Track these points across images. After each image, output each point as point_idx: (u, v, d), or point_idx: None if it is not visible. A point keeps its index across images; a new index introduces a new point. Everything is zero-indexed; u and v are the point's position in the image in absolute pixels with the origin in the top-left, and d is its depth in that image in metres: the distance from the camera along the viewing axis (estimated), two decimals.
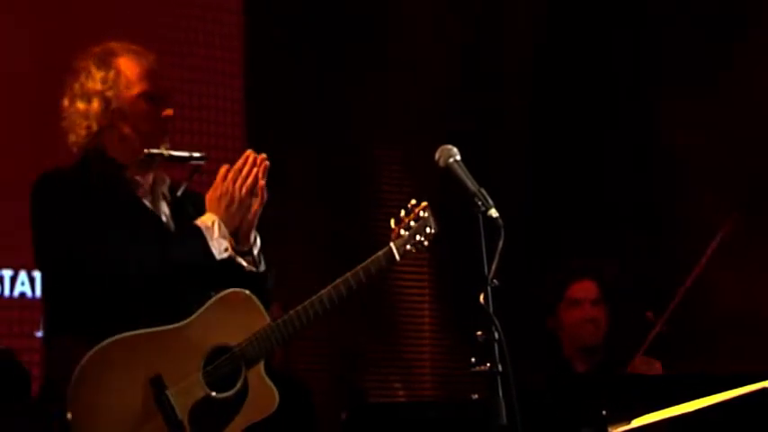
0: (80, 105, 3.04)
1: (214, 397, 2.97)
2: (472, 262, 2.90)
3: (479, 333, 3.14)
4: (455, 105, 5.81)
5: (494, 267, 2.87)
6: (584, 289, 4.42)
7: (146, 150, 3.06)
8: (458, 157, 3.01)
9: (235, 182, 3.06)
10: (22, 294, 4.72)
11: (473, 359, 3.08)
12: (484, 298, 2.89)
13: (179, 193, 3.15)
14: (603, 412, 3.80)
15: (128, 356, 2.90)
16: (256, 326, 3.07)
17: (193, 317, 3.01)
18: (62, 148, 3.12)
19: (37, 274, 4.56)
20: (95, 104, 3.03)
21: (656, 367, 4.27)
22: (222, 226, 3.02)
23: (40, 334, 4.60)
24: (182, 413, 2.91)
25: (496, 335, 2.86)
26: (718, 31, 5.43)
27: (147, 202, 3.10)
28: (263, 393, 3.05)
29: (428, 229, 3.36)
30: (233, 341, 3.03)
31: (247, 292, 3.09)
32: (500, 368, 2.84)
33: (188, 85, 4.72)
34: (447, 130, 5.58)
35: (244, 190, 3.06)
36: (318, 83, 5.49)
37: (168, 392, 2.91)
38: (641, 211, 5.63)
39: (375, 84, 5.67)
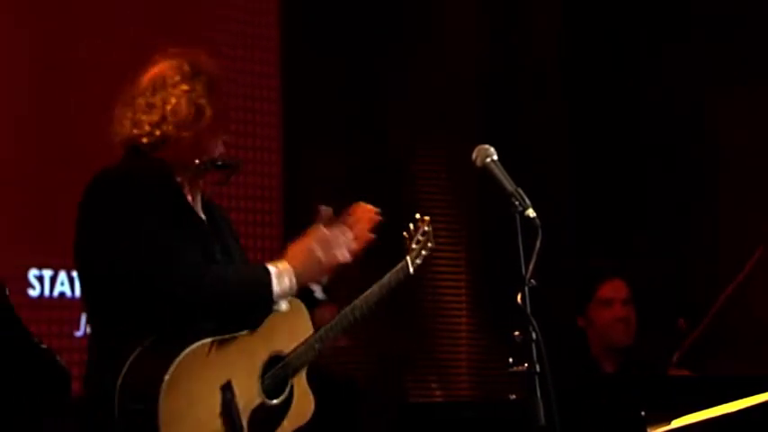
0: (166, 105, 3.02)
1: (267, 403, 3.05)
2: (509, 262, 2.90)
3: (517, 333, 3.14)
4: (491, 104, 5.80)
5: (531, 267, 2.86)
6: (615, 288, 4.40)
7: (197, 160, 3.07)
8: (495, 157, 3.01)
9: (331, 242, 3.04)
10: (62, 294, 4.76)
11: (511, 359, 3.08)
12: (521, 298, 2.88)
13: (205, 198, 3.18)
14: (642, 413, 3.78)
15: (204, 364, 2.95)
16: (304, 334, 3.15)
17: (259, 326, 3.06)
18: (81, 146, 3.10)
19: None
20: (183, 108, 3.03)
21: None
22: (293, 280, 3.00)
23: (79, 333, 4.65)
24: (243, 418, 2.98)
25: (534, 335, 2.85)
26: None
27: (198, 212, 3.12)
28: (304, 399, 3.14)
29: (430, 244, 3.52)
30: (286, 349, 3.11)
31: (299, 302, 3.15)
32: (538, 368, 2.83)
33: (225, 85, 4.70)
34: (482, 128, 5.58)
35: (341, 257, 3.08)
36: (353, 83, 5.50)
37: (236, 399, 2.97)
38: (679, 211, 5.60)
39: (410, 84, 5.67)
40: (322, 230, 3.07)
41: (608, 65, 5.70)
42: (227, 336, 3.00)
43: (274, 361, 3.08)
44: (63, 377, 3.59)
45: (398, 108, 5.65)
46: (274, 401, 3.06)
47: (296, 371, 3.11)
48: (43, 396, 3.56)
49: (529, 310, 2.87)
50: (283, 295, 3.00)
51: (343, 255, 3.07)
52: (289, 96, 5.30)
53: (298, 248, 3.04)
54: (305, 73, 5.31)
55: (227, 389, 2.97)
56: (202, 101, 3.05)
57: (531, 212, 2.91)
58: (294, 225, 4.46)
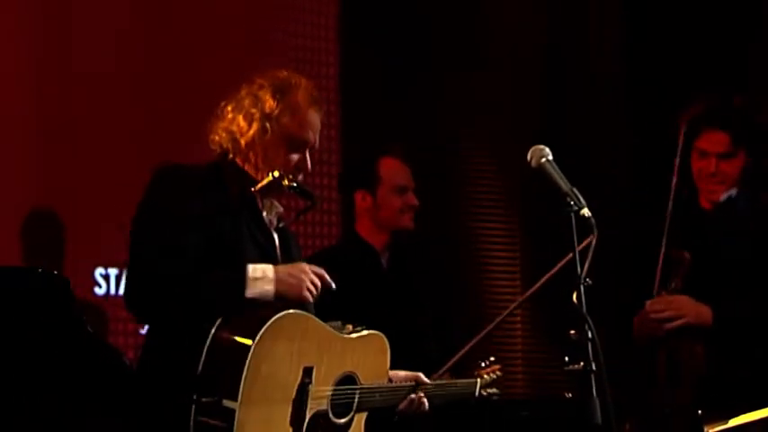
0: (241, 121, 3.12)
1: (330, 417, 3.06)
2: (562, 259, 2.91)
3: (573, 332, 3.15)
4: (544, 104, 5.79)
5: (586, 267, 2.87)
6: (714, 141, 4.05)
7: (276, 173, 3.11)
8: (550, 157, 3.02)
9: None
10: None
11: (566, 358, 3.10)
12: (576, 297, 2.89)
13: (282, 225, 3.21)
14: (699, 411, 3.77)
15: (303, 333, 2.98)
16: (380, 376, 3.21)
17: (352, 336, 3.12)
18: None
19: None
20: (254, 127, 3.11)
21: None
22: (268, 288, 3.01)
23: (144, 331, 4.71)
24: (308, 413, 2.99)
25: (589, 334, 2.86)
26: None
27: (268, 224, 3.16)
28: None
29: (495, 390, 3.71)
30: (361, 377, 3.15)
31: (385, 342, 3.21)
32: (594, 367, 2.84)
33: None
34: (536, 129, 5.56)
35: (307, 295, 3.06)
36: (407, 82, 5.51)
37: (310, 387, 2.99)
38: None
39: (463, 83, 5.67)
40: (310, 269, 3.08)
41: (669, 60, 5.64)
42: (329, 325, 3.06)
43: (348, 380, 3.11)
44: (123, 371, 3.65)
45: (451, 108, 5.66)
46: (338, 421, 3.08)
47: (361, 407, 3.14)
48: (106, 393, 3.61)
49: (584, 308, 2.87)
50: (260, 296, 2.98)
51: (306, 297, 3.05)
52: (347, 104, 5.32)
53: (289, 270, 3.04)
54: (359, 72, 5.32)
55: (308, 373, 2.99)
56: (256, 119, 3.11)
57: (586, 212, 2.91)
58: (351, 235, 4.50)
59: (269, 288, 2.97)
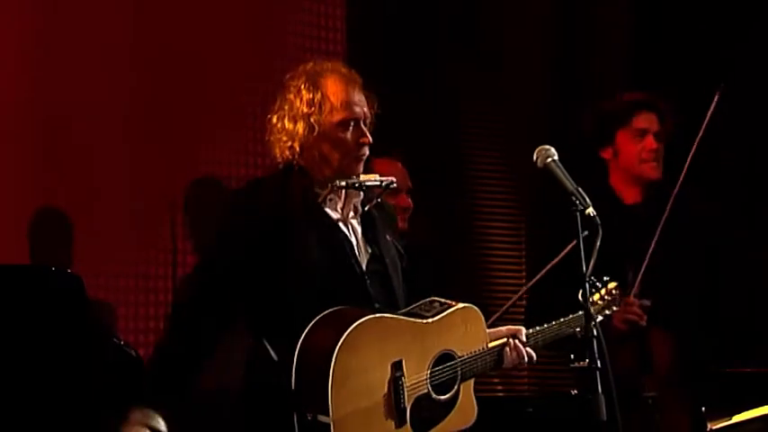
0: (288, 125, 3.19)
1: (433, 397, 3.14)
2: (569, 259, 2.94)
3: (578, 330, 3.19)
4: (552, 105, 5.81)
5: (591, 265, 2.91)
6: (648, 120, 4.22)
7: (337, 182, 3.19)
8: (555, 158, 3.06)
9: None
10: None
11: (572, 355, 3.14)
12: (581, 295, 2.93)
13: (367, 208, 3.28)
14: (703, 408, 3.80)
15: (379, 337, 3.06)
16: (479, 343, 3.26)
17: (436, 318, 3.18)
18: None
19: None
20: (300, 126, 3.17)
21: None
22: None
23: None
24: (407, 402, 3.08)
25: (594, 331, 2.89)
26: None
27: (340, 223, 3.22)
28: (468, 407, 3.24)
29: (615, 308, 3.71)
30: (459, 351, 3.21)
31: (477, 309, 3.28)
32: (599, 364, 2.88)
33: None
34: (546, 129, 5.59)
35: None
36: (415, 82, 5.52)
37: (403, 379, 3.07)
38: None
39: (473, 83, 5.69)
40: None
41: (679, 67, 5.66)
42: (406, 319, 3.14)
43: (445, 358, 3.18)
44: (137, 367, 3.67)
45: (459, 108, 5.68)
46: (441, 397, 3.16)
47: (465, 376, 3.21)
48: (114, 387, 3.64)
49: (589, 306, 2.91)
50: None
51: None
52: None
53: None
54: (368, 76, 5.34)
55: (397, 367, 3.08)
56: (299, 117, 3.17)
57: (591, 211, 2.96)
58: None
59: None
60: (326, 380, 2.96)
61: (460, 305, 3.24)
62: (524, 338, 3.32)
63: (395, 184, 3.30)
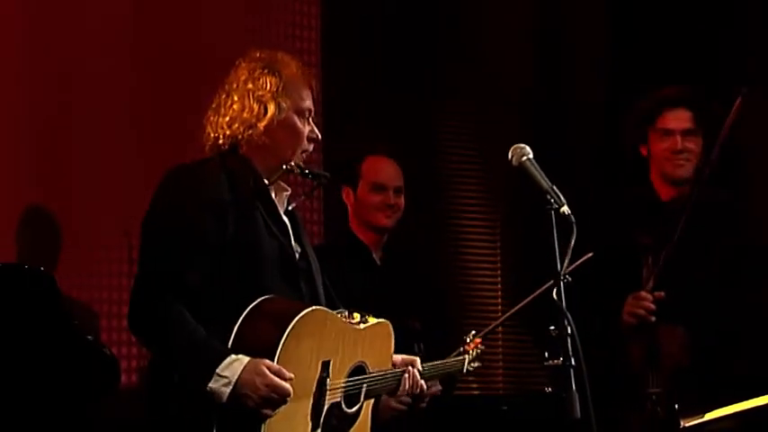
0: (254, 106, 3.09)
1: (342, 407, 3.10)
2: (544, 258, 2.95)
3: (552, 328, 3.20)
4: (530, 102, 5.82)
5: (566, 263, 2.92)
6: (675, 119, 4.22)
7: (286, 165, 3.12)
8: (530, 156, 3.06)
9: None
10: None
11: (546, 353, 3.14)
12: (556, 293, 2.93)
13: (290, 207, 3.21)
14: (676, 406, 3.82)
15: (321, 329, 3.01)
16: (386, 362, 3.23)
17: (366, 326, 3.15)
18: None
19: None
20: (270, 110, 3.08)
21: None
22: (230, 387, 2.91)
23: None
24: (326, 403, 3.03)
25: (569, 329, 2.90)
26: None
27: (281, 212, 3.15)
28: (365, 427, 3.19)
29: (477, 364, 3.80)
30: (370, 365, 3.18)
31: (389, 326, 3.24)
32: (573, 362, 2.88)
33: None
34: (521, 126, 5.60)
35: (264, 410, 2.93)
36: (393, 78, 5.51)
37: (328, 381, 3.03)
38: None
39: (446, 80, 5.70)
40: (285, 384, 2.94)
41: (655, 66, 5.66)
42: (342, 319, 3.09)
43: (358, 371, 3.14)
44: (111, 366, 3.67)
45: (438, 105, 5.68)
46: (348, 410, 3.11)
47: (369, 394, 3.16)
48: (89, 384, 3.63)
49: (564, 305, 2.92)
50: (213, 393, 2.90)
51: (266, 412, 2.93)
52: (329, 102, 5.33)
53: (261, 371, 2.92)
54: (343, 69, 5.33)
55: (325, 366, 3.02)
56: (267, 99, 3.09)
57: (566, 209, 2.96)
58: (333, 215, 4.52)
59: (225, 390, 2.88)
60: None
61: (377, 320, 3.20)
62: (420, 368, 3.32)
63: (327, 180, 3.24)
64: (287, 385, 2.90)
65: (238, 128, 3.09)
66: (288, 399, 2.92)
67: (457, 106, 5.69)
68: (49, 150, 4.52)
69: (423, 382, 3.33)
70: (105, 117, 4.61)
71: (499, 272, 5.77)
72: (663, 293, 4.03)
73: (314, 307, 3.01)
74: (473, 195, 5.74)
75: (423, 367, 3.35)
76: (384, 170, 4.21)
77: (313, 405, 3.00)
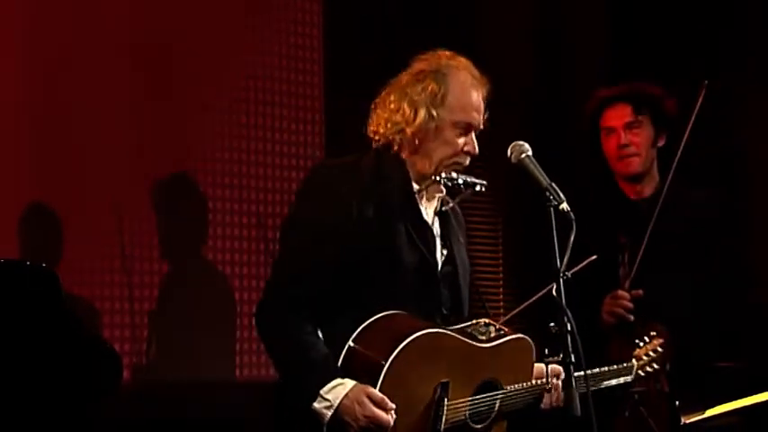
0: (406, 108, 3.07)
1: (469, 424, 3.05)
2: (544, 255, 2.95)
3: (552, 325, 3.20)
4: (530, 102, 5.82)
5: (565, 260, 2.92)
6: (615, 115, 4.21)
7: (443, 176, 3.09)
8: (529, 153, 3.07)
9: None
10: None
11: (546, 350, 3.15)
12: (556, 291, 2.94)
13: (445, 208, 3.19)
14: (677, 402, 3.83)
15: (435, 352, 2.97)
16: (525, 377, 3.16)
17: (491, 344, 3.09)
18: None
19: None
20: (420, 116, 3.06)
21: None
22: (332, 410, 2.92)
23: None
24: (442, 425, 2.98)
25: (569, 326, 2.89)
26: None
27: (429, 221, 3.13)
28: None
29: (657, 366, 3.61)
30: (504, 382, 3.11)
31: (529, 341, 3.18)
32: (573, 359, 2.88)
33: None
34: (521, 126, 5.60)
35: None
36: (394, 76, 5.50)
37: (446, 401, 2.98)
38: None
39: None
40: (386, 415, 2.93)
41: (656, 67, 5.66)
42: (459, 335, 3.03)
43: (488, 386, 3.08)
44: (114, 362, 3.68)
45: None
46: (477, 426, 3.06)
47: (503, 409, 3.10)
48: (92, 381, 3.64)
49: (563, 302, 2.92)
50: (316, 413, 2.92)
51: (381, 422, 2.92)
52: (331, 98, 5.33)
53: (363, 401, 2.91)
54: (344, 67, 5.33)
55: (443, 388, 2.97)
56: (420, 105, 3.07)
57: (565, 207, 2.96)
58: None
59: (327, 413, 2.91)
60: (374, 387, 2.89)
61: (515, 335, 3.15)
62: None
63: (484, 188, 3.20)
64: (387, 417, 2.89)
65: (390, 128, 3.09)
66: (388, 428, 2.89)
67: None
68: (49, 148, 4.53)
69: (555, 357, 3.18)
70: (105, 115, 4.62)
71: (501, 272, 5.77)
72: (641, 292, 4.03)
73: (426, 330, 2.95)
74: (474, 196, 5.73)
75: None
76: None
77: (425, 426, 2.96)
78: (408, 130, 3.07)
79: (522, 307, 4.11)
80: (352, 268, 2.98)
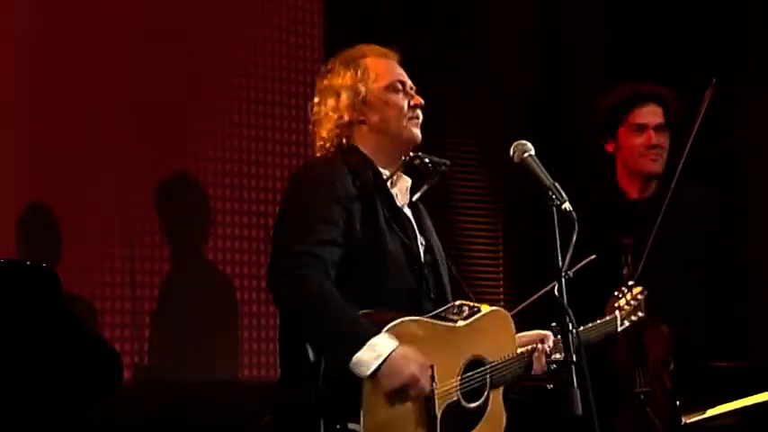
0: (330, 101, 3.10)
1: (462, 405, 3.04)
2: (544, 254, 2.95)
3: (554, 324, 3.20)
4: (530, 102, 5.82)
5: (567, 259, 2.92)
6: (649, 113, 4.20)
7: (404, 156, 3.11)
8: (532, 152, 3.06)
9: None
10: None
11: (547, 349, 3.15)
12: (557, 290, 2.93)
13: (415, 198, 3.20)
14: (678, 402, 3.83)
15: (413, 339, 2.95)
16: (508, 348, 3.15)
17: (466, 322, 3.08)
18: None
19: None
20: (344, 97, 3.08)
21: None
22: (377, 363, 2.89)
23: None
24: (438, 410, 2.98)
25: (570, 326, 2.90)
26: None
27: (399, 204, 3.13)
28: (498, 414, 3.13)
29: (640, 313, 3.65)
30: (489, 357, 3.11)
31: (506, 313, 3.18)
32: (574, 358, 2.88)
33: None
34: (521, 126, 5.60)
35: (416, 389, 2.94)
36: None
37: (434, 385, 2.97)
38: None
39: (448, 75, 5.70)
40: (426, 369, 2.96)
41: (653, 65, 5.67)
42: (437, 322, 3.03)
43: (475, 364, 3.07)
44: (114, 361, 3.67)
45: (436, 99, 5.68)
46: (471, 405, 3.05)
47: (496, 383, 3.10)
48: (93, 380, 3.64)
49: (565, 301, 2.92)
50: (360, 363, 2.88)
51: (419, 392, 2.95)
52: None
53: (411, 357, 2.92)
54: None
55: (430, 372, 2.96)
56: (341, 89, 3.09)
57: (567, 206, 2.95)
58: None
59: (373, 363, 2.86)
60: (359, 386, 2.87)
61: (489, 308, 3.14)
62: (551, 344, 3.23)
63: (446, 168, 3.20)
64: (427, 381, 2.92)
65: (330, 126, 3.10)
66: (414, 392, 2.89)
67: (457, 106, 5.70)
68: (49, 148, 4.53)
69: (557, 356, 3.20)
70: (105, 115, 4.62)
71: (501, 271, 5.77)
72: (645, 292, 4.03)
73: (399, 320, 2.94)
74: (474, 196, 5.75)
75: (556, 341, 3.21)
76: None
77: (421, 413, 2.95)
78: (345, 116, 3.09)
79: (522, 305, 4.10)
80: (343, 258, 2.98)
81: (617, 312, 3.59)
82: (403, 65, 3.26)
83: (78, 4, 4.63)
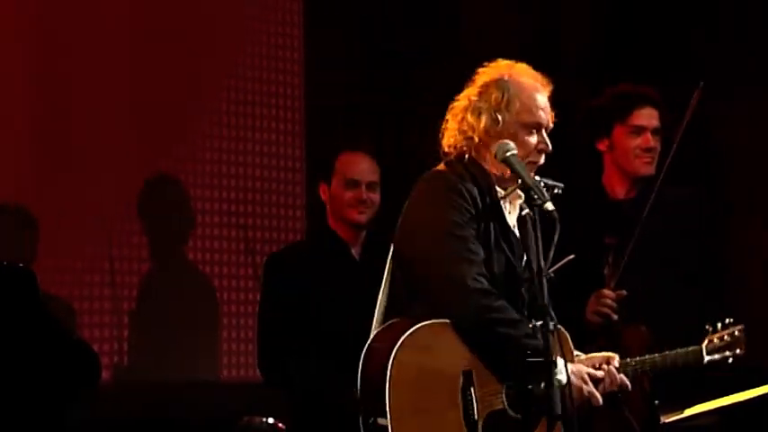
0: (470, 118, 3.19)
1: (508, 414, 3.04)
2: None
3: (535, 323, 3.21)
4: None
5: (549, 259, 2.93)
6: (648, 116, 4.21)
7: (524, 182, 3.08)
8: (514, 152, 3.08)
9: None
10: None
11: (528, 350, 3.15)
12: (539, 290, 2.94)
13: (524, 213, 3.22)
14: (656, 402, 3.85)
15: (452, 339, 3.00)
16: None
17: None
18: None
19: None
20: (484, 119, 3.17)
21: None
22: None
23: None
24: (479, 415, 3.00)
25: (551, 326, 2.91)
26: None
27: (513, 228, 3.20)
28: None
29: (738, 351, 3.67)
30: None
31: (566, 333, 3.18)
32: (554, 358, 2.89)
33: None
34: None
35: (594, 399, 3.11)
36: (389, 77, 5.49)
37: (473, 390, 3.00)
38: None
39: (449, 79, 5.68)
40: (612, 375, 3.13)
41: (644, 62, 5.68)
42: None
43: None
44: (91, 362, 3.67)
45: (425, 99, 5.68)
46: (515, 415, 3.05)
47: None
48: (70, 380, 3.63)
49: (546, 301, 2.93)
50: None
51: (596, 400, 3.11)
52: (312, 97, 5.33)
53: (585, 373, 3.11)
54: (329, 72, 5.33)
55: (468, 376, 3.00)
56: (483, 111, 3.17)
57: (549, 206, 2.96)
58: (316, 218, 4.53)
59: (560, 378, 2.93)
60: (383, 381, 2.91)
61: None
62: (617, 365, 3.24)
63: (561, 191, 3.22)
64: (599, 395, 3.05)
65: (459, 138, 3.19)
66: None
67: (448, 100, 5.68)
68: (28, 149, 4.52)
69: (623, 377, 3.23)
70: (88, 118, 4.61)
71: None
72: (624, 292, 4.05)
73: (431, 321, 2.99)
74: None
75: (622, 363, 3.26)
76: (357, 165, 4.17)
77: (462, 416, 2.98)
78: (476, 137, 3.17)
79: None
80: None
81: (703, 346, 3.64)
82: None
83: (80, 5, 4.61)
